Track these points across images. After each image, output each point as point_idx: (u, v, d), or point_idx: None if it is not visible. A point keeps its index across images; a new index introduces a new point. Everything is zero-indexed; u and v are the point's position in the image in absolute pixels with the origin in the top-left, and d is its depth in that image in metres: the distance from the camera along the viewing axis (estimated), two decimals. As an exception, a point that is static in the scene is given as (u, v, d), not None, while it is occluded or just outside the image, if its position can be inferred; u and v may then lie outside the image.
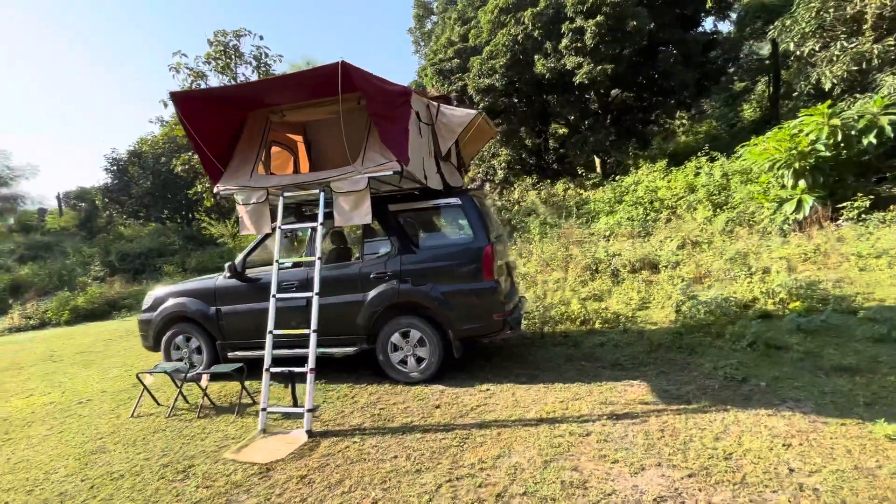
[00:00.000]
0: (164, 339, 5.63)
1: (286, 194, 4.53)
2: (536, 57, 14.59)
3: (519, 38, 14.51)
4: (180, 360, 5.54)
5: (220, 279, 5.45)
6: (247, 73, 16.65)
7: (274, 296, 4.28)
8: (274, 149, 5.19)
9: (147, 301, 5.88)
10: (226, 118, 4.49)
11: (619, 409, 3.88)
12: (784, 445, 3.08)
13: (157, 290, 5.98)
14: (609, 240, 10.73)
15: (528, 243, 11.23)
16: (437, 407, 4.26)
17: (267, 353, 4.12)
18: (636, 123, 17.36)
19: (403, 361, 4.97)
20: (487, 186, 19.14)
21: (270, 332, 4.16)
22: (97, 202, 27.57)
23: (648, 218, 11.08)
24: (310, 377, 3.96)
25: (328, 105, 4.67)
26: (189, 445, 3.90)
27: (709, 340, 5.33)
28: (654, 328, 6.07)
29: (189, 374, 4.61)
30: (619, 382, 4.46)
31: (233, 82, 16.39)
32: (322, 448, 3.61)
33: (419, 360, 4.93)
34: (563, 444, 3.37)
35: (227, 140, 4.55)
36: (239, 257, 5.41)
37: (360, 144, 4.43)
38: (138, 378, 4.71)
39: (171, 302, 5.64)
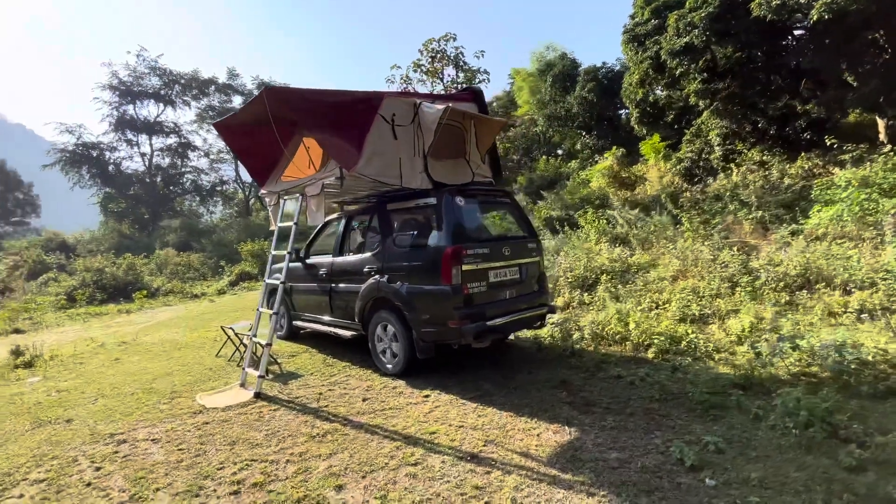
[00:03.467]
0: (268, 303, 7.48)
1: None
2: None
3: (730, -25, 11.35)
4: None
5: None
6: (451, 74, 18.42)
7: (266, 282, 5.29)
8: (300, 150, 5.97)
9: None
10: (255, 137, 5.64)
11: (498, 456, 3.34)
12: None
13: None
14: (808, 242, 7.70)
15: (681, 239, 9.13)
16: (365, 400, 4.50)
17: (255, 325, 5.19)
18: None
19: (384, 352, 5.30)
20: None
21: (258, 310, 5.21)
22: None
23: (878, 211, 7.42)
24: (265, 350, 4.84)
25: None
26: (206, 382, 5.33)
27: (746, 403, 3.69)
28: (718, 371, 4.49)
29: (246, 334, 6.11)
30: (558, 426, 3.72)
31: (440, 84, 18.48)
32: (250, 408, 4.44)
33: (395, 354, 5.17)
34: (393, 465, 3.24)
35: (264, 152, 5.70)
36: (304, 245, 6.69)
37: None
38: (222, 329, 6.54)
39: (273, 276, 7.41)
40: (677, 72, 13.11)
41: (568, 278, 8.43)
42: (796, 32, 14.07)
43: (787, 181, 10.89)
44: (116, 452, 3.64)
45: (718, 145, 14.71)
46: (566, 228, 11.77)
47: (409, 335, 4.95)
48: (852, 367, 3.94)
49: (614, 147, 18.52)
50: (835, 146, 12.09)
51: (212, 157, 36.03)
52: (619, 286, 7.65)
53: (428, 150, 4.98)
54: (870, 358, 4.04)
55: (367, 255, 5.48)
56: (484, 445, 3.44)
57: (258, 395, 4.70)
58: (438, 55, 18.07)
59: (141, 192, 32.82)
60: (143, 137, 33.39)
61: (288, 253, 5.16)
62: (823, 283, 5.73)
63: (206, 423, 4.12)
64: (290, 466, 3.28)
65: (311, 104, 4.52)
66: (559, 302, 7.93)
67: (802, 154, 12.90)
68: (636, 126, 18.82)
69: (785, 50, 13.59)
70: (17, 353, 6.82)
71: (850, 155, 11.45)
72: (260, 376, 4.76)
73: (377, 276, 5.23)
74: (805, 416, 3.22)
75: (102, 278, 16.00)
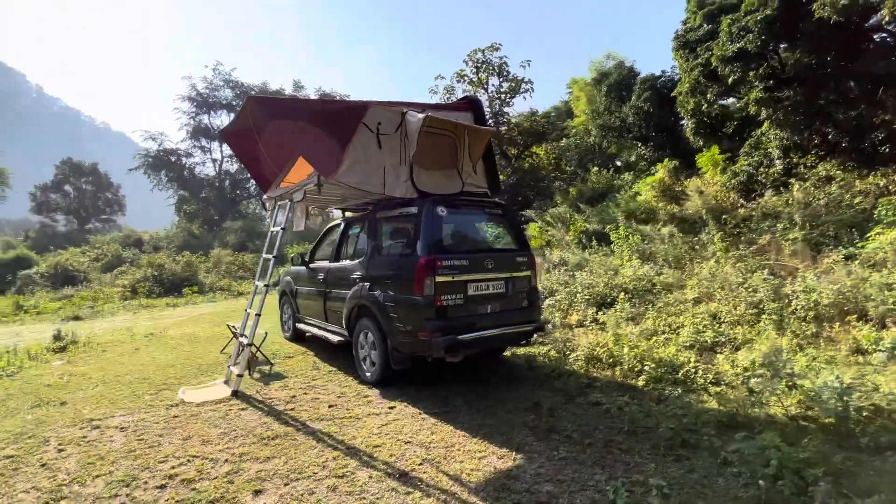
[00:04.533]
0: (281, 304, 7.74)
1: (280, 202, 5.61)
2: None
3: (790, -25, 10.44)
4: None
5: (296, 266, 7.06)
6: (495, 84, 18.34)
7: (256, 285, 5.46)
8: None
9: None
10: (254, 144, 5.86)
11: (427, 477, 3.21)
12: None
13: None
14: (865, 268, 6.80)
15: (712, 259, 8.42)
16: (331, 407, 4.49)
17: (242, 325, 5.36)
18: None
19: (365, 360, 5.28)
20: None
21: (246, 311, 5.38)
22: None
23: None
24: (246, 350, 4.98)
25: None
26: (198, 377, 5.57)
27: (718, 444, 3.29)
28: (708, 406, 4.07)
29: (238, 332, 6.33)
30: (507, 451, 3.53)
31: (485, 94, 18.46)
32: (222, 405, 4.58)
33: (374, 362, 5.14)
34: (320, 476, 3.21)
35: (262, 159, 5.92)
36: (308, 250, 6.87)
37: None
38: (228, 327, 6.82)
39: (284, 279, 7.67)
40: (730, 79, 12.20)
41: (585, 295, 8.03)
42: (877, 36, 12.71)
43: (849, 198, 9.76)
44: (84, 437, 3.87)
45: (778, 158, 13.50)
46: (593, 243, 11.25)
47: (385, 344, 4.90)
48: (862, 414, 3.41)
49: (666, 159, 17.54)
50: (914, 161, 10.73)
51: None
52: (638, 306, 7.18)
53: (412, 159, 4.94)
54: (884, 405, 3.47)
55: (356, 262, 5.52)
56: (420, 464, 3.31)
57: (235, 394, 4.84)
58: (483, 66, 18.04)
59: (211, 196, 35.43)
60: (216, 144, 36.10)
61: (274, 257, 5.30)
62: (855, 316, 5.03)
63: (175, 417, 4.29)
64: (224, 466, 3.33)
65: (294, 112, 4.65)
66: (573, 319, 7.57)
67: (880, 169, 11.56)
68: (692, 137, 17.72)
69: (863, 53, 12.28)
70: (57, 337, 7.51)
71: (934, 171, 10.10)
72: (238, 375, 4.90)
73: (362, 283, 5.24)
74: (775, 465, 2.81)
75: (162, 273, 17.36)
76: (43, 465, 3.39)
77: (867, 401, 3.56)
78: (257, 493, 2.98)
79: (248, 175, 37.50)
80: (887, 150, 12.84)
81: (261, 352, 6.04)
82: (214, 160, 36.54)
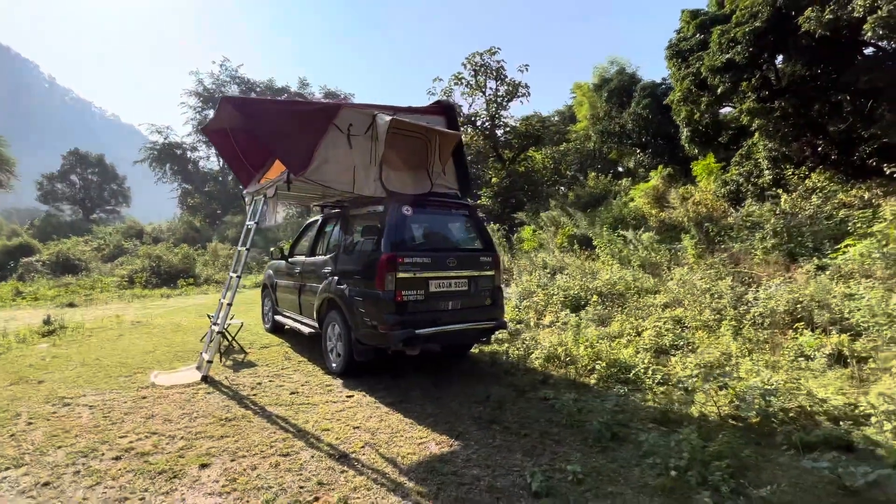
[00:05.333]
0: (262, 297, 7.97)
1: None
2: (806, 12, 10.32)
3: (779, -12, 10.59)
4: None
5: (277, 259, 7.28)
6: (493, 87, 18.54)
7: (231, 275, 5.69)
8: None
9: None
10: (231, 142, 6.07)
11: (366, 459, 3.42)
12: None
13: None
14: (835, 279, 6.93)
15: (685, 266, 8.57)
16: (293, 394, 4.71)
17: (216, 315, 5.59)
18: None
19: (332, 351, 5.49)
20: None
21: (221, 301, 5.61)
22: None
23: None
24: (217, 337, 5.20)
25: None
26: (173, 362, 5.80)
27: (646, 438, 3.47)
28: (647, 404, 4.25)
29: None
30: (447, 438, 3.73)
31: (482, 97, 18.66)
32: (191, 389, 4.80)
33: (339, 354, 5.35)
34: (266, 454, 3.42)
35: (241, 156, 6.15)
36: (288, 244, 7.10)
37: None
38: (208, 316, 7.05)
39: (266, 272, 7.90)
40: (719, 90, 12.34)
41: (561, 297, 8.22)
42: (867, 50, 12.83)
43: (829, 210, 9.89)
44: (54, 413, 4.11)
45: (767, 168, 13.63)
46: (575, 247, 11.43)
47: (350, 337, 5.11)
48: (788, 415, 3.59)
49: (660, 167, 17.71)
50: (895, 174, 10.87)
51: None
52: (608, 309, 7.36)
53: (382, 159, 5.15)
54: (808, 406, 3.64)
55: (327, 256, 5.73)
56: (362, 447, 3.51)
57: (205, 379, 5.06)
58: (481, 69, 18.25)
59: (214, 190, 35.82)
60: (220, 139, 36.47)
61: (247, 249, 5.53)
62: (804, 323, 5.19)
63: (144, 398, 4.52)
64: (179, 443, 3.55)
65: (266, 112, 4.87)
66: (546, 319, 7.76)
67: (864, 181, 11.68)
68: (687, 145, 17.85)
69: (850, 67, 12.40)
70: (47, 322, 7.78)
71: (915, 185, 10.24)
72: (208, 361, 5.12)
73: (332, 277, 5.45)
74: (686, 458, 3.00)
75: (160, 265, 17.67)
76: (11, 436, 3.63)
77: (794, 402, 3.74)
78: (204, 466, 3.19)
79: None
80: (874, 163, 12.96)
81: (235, 341, 6.27)
82: (218, 155, 36.98)
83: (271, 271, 7.58)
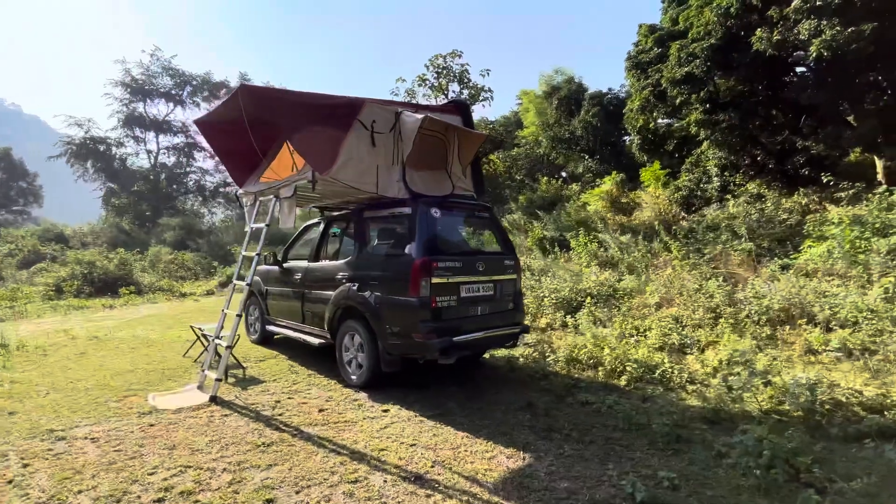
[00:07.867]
0: (246, 305, 7.34)
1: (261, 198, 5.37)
2: (757, 33, 11.24)
3: (732, 8, 11.45)
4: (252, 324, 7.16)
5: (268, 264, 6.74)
6: (455, 90, 18.53)
7: (235, 283, 5.18)
8: (283, 152, 5.88)
9: (250, 275, 7.75)
10: (237, 136, 5.57)
11: (443, 479, 3.19)
12: None
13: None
14: (798, 277, 7.53)
15: (669, 268, 9.00)
16: (321, 411, 4.34)
17: (218, 326, 5.06)
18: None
19: (350, 363, 5.15)
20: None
21: (223, 311, 5.09)
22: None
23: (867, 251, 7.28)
24: (226, 353, 4.70)
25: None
26: (164, 382, 5.18)
27: (710, 438, 3.53)
28: (689, 403, 4.33)
29: (207, 335, 5.95)
30: (513, 450, 3.56)
31: (444, 99, 18.57)
32: (202, 411, 4.29)
33: (360, 365, 5.02)
34: (332, 482, 3.08)
35: (245, 152, 5.62)
36: (282, 249, 6.59)
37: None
38: (192, 328, 6.39)
39: (253, 278, 7.29)
40: (678, 101, 13.14)
41: (553, 300, 8.30)
42: (799, 69, 14.17)
43: (781, 215, 10.81)
44: (50, 450, 3.48)
45: (716, 176, 14.68)
46: (556, 249, 11.66)
47: (375, 346, 4.81)
48: (825, 407, 3.80)
49: (614, 172, 18.53)
50: (831, 183, 12.04)
51: (217, 158, 36.19)
52: (604, 310, 7.52)
53: (406, 159, 4.91)
54: (843, 399, 3.88)
55: (341, 262, 5.38)
56: (432, 466, 3.28)
57: (213, 399, 4.54)
58: (444, 71, 18.18)
59: (144, 189, 32.91)
60: (151, 135, 33.68)
61: (256, 255, 5.06)
62: (805, 320, 5.58)
63: (152, 425, 3.96)
64: (224, 475, 3.12)
65: (289, 105, 4.46)
66: (542, 323, 7.80)
67: (800, 189, 12.85)
68: (637, 153, 18.86)
69: (787, 85, 13.66)
70: (-17, 340, 6.68)
71: (846, 193, 11.39)
72: (217, 379, 4.61)
73: (349, 284, 5.11)
74: (768, 456, 3.06)
75: (93, 272, 15.88)
76: (10, 483, 3.02)
77: (828, 395, 3.97)
78: (269, 502, 2.82)
79: (187, 169, 35.32)
80: (806, 172, 14.34)
81: (232, 355, 5.70)
82: (149, 151, 34.02)
83: (258, 278, 7.00)
